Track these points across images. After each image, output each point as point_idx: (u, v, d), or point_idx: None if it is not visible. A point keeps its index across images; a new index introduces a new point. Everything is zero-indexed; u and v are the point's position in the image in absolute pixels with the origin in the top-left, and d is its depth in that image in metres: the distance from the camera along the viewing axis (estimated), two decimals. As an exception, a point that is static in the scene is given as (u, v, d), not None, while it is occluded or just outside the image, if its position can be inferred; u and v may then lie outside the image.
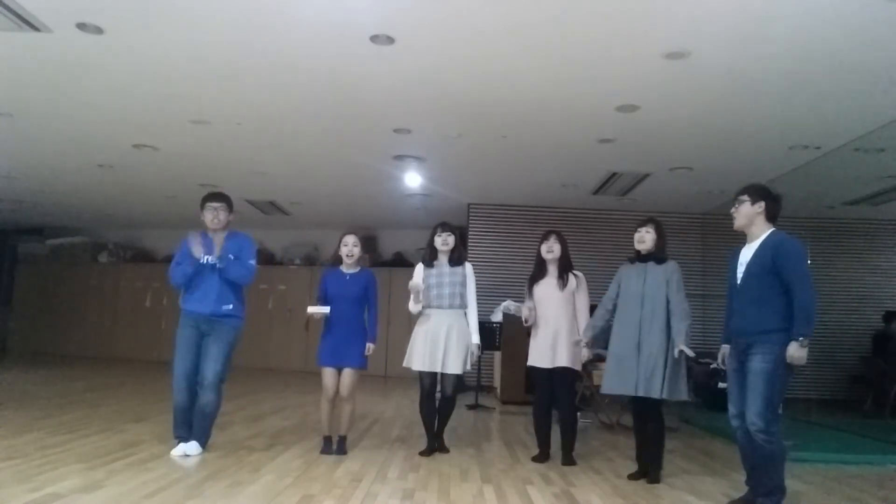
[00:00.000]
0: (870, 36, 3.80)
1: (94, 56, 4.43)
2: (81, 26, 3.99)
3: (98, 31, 4.05)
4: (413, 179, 7.60)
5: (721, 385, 6.44)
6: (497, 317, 7.46)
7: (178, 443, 4.07)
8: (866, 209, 8.27)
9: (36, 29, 4.03)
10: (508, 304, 7.41)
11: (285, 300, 10.57)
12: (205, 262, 4.12)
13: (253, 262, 4.28)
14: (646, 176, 7.17)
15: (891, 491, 3.96)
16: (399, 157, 6.72)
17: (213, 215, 4.22)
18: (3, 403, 5.77)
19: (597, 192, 7.99)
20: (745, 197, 3.46)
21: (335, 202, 9.10)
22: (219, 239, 4.19)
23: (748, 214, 3.44)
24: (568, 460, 4.30)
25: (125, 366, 10.07)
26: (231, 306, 4.17)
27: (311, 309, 4.28)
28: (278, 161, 7.00)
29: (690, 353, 3.77)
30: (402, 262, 10.23)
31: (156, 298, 11.24)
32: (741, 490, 3.66)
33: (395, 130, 5.83)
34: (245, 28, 4.00)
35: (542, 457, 4.39)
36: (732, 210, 3.51)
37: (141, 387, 7.55)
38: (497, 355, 7.88)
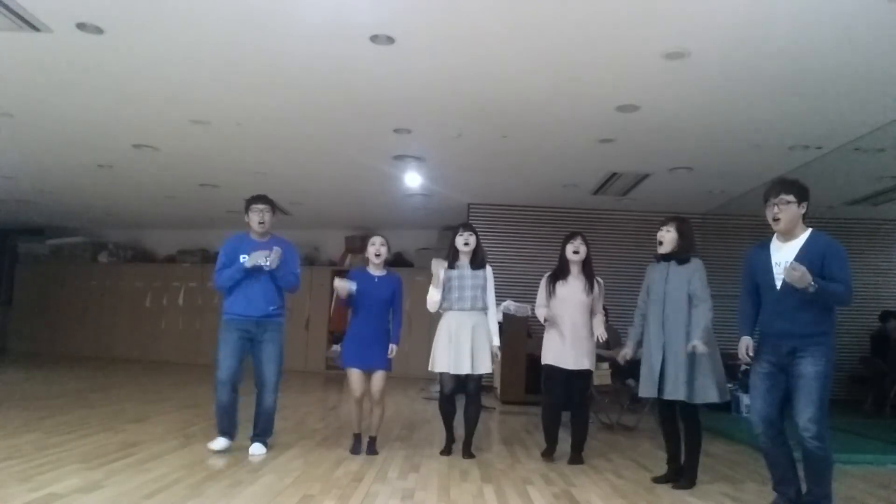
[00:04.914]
0: (869, 36, 3.79)
1: (94, 56, 4.43)
2: (81, 26, 3.99)
3: (98, 31, 4.05)
4: (413, 179, 7.59)
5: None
6: (497, 317, 7.44)
7: (219, 437, 4.21)
8: (866, 209, 8.27)
9: (36, 29, 4.03)
10: (508, 304, 7.36)
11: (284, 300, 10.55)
12: (266, 265, 4.17)
13: (298, 270, 4.46)
14: (646, 176, 7.17)
15: (891, 491, 3.95)
16: (399, 157, 6.71)
17: (260, 217, 4.28)
18: (3, 403, 5.77)
19: (597, 192, 7.98)
20: (792, 198, 3.15)
21: (335, 202, 9.10)
22: (272, 249, 4.22)
23: (795, 217, 3.16)
24: (577, 459, 4.35)
25: (125, 366, 10.06)
26: (276, 306, 4.32)
27: (338, 282, 4.32)
28: (278, 161, 7.00)
29: (701, 350, 3.61)
30: (402, 262, 10.22)
31: (156, 298, 11.24)
32: (742, 491, 3.66)
33: (395, 130, 5.83)
34: (245, 28, 4.00)
35: (550, 451, 4.44)
36: (776, 210, 3.16)
37: (141, 387, 7.55)
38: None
